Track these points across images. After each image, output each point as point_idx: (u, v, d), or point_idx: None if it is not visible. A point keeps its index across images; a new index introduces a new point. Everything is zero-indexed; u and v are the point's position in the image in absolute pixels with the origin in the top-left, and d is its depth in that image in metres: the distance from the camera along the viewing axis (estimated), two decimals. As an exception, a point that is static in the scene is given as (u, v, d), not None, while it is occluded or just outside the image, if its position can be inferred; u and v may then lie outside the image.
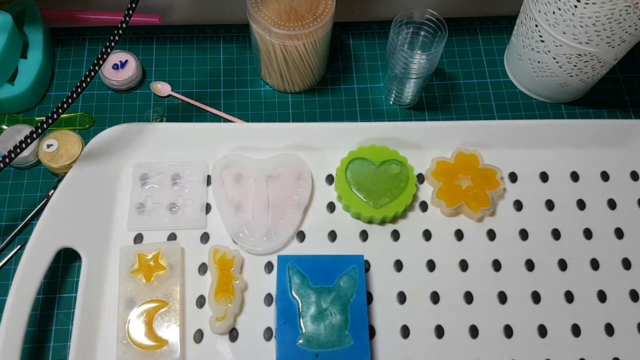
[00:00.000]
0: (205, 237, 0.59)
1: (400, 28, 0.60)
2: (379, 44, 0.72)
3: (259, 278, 0.57)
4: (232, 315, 0.55)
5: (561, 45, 0.60)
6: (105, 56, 0.56)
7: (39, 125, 0.55)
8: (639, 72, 0.72)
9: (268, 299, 0.56)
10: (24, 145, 0.55)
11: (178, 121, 0.66)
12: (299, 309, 0.51)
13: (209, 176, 0.61)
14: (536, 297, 0.58)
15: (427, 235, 0.60)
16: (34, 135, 0.55)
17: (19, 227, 0.59)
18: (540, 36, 0.61)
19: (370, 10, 0.74)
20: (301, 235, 0.59)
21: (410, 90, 0.65)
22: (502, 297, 0.57)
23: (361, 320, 0.51)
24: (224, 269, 0.56)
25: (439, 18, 0.60)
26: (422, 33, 0.62)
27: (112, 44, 0.56)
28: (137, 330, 0.53)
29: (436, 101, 0.69)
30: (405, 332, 0.56)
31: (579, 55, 0.60)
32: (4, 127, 0.63)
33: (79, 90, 0.56)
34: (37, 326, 0.55)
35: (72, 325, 0.53)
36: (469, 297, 0.57)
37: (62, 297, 0.57)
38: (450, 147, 0.63)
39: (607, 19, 0.55)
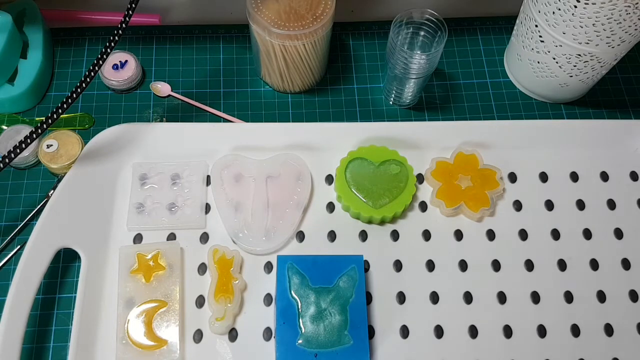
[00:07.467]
0: (204, 237, 0.59)
1: (400, 28, 0.60)
2: (379, 44, 0.72)
3: (259, 278, 0.57)
4: (232, 315, 0.55)
5: (561, 46, 0.60)
6: (105, 56, 0.56)
7: (39, 125, 0.55)
8: (639, 72, 0.72)
9: (267, 299, 0.56)
10: (23, 146, 0.55)
11: (178, 121, 0.66)
12: (298, 309, 0.51)
13: (208, 176, 0.61)
14: (536, 297, 0.58)
15: (426, 235, 0.60)
16: (34, 136, 0.55)
17: (18, 227, 0.59)
18: (540, 36, 0.61)
19: (370, 10, 0.74)
20: (300, 235, 0.59)
21: (410, 90, 0.65)
22: (502, 297, 0.57)
23: (360, 320, 0.51)
24: (224, 269, 0.56)
25: (439, 18, 0.60)
26: (422, 33, 0.62)
27: (112, 44, 0.56)
28: (137, 330, 0.53)
29: (436, 101, 0.69)
30: (404, 332, 0.56)
31: (579, 55, 0.60)
32: (4, 127, 0.63)
33: (79, 90, 0.56)
34: (37, 326, 0.55)
35: (71, 325, 0.53)
36: (468, 297, 0.57)
37: (62, 297, 0.57)
38: (450, 147, 0.63)
39: (607, 19, 0.55)
